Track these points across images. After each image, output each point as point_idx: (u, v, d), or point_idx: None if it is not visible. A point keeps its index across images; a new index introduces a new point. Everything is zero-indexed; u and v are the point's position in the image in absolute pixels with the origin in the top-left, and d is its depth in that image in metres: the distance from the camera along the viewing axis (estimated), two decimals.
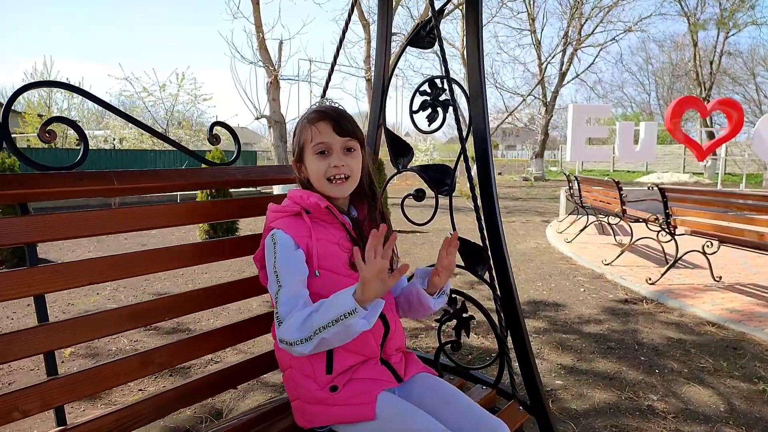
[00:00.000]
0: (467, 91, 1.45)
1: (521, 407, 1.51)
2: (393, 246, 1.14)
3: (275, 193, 8.96)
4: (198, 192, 7.58)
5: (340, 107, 1.33)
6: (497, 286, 1.51)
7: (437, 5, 1.50)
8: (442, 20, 16.22)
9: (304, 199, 1.27)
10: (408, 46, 1.56)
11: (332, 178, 1.28)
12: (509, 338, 1.55)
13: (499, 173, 29.23)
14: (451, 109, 1.50)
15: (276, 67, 12.80)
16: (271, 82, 12.65)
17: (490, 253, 1.45)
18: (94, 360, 3.26)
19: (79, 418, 1.24)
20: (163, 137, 1.41)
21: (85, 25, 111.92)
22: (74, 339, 1.21)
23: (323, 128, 1.27)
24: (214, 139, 1.51)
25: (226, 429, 1.39)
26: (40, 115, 22.55)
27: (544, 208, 12.86)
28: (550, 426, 1.49)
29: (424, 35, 1.52)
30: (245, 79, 59.19)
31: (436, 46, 1.56)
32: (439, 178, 1.53)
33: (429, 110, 1.51)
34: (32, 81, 1.24)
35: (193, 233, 8.15)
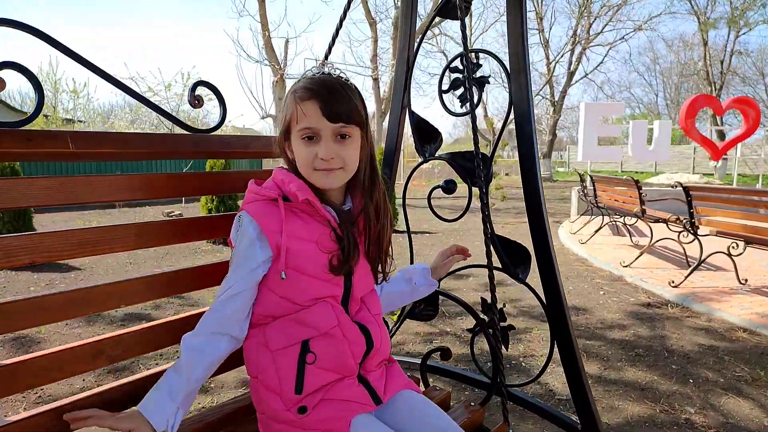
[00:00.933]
0: (507, 66, 1.26)
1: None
2: None
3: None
4: (208, 161, 7.56)
5: (336, 80, 1.09)
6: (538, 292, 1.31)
7: None
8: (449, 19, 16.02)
9: (285, 183, 1.08)
10: (439, 16, 1.37)
11: (319, 168, 1.08)
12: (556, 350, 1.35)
13: (507, 174, 28.98)
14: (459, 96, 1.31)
15: (282, 65, 12.66)
16: (277, 81, 12.52)
17: (534, 252, 1.26)
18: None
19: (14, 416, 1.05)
20: (135, 94, 1.24)
21: (90, 26, 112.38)
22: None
23: (310, 110, 1.05)
24: (195, 101, 1.32)
25: (190, 430, 1.24)
26: (45, 116, 22.55)
27: (554, 208, 12.63)
28: None
29: (457, 3, 1.32)
30: (251, 78, 59.04)
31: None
32: (473, 167, 1.33)
33: (461, 89, 1.31)
34: None
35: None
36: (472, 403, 1.42)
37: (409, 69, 1.47)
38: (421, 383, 1.62)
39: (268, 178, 1.13)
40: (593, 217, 8.08)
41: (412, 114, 1.45)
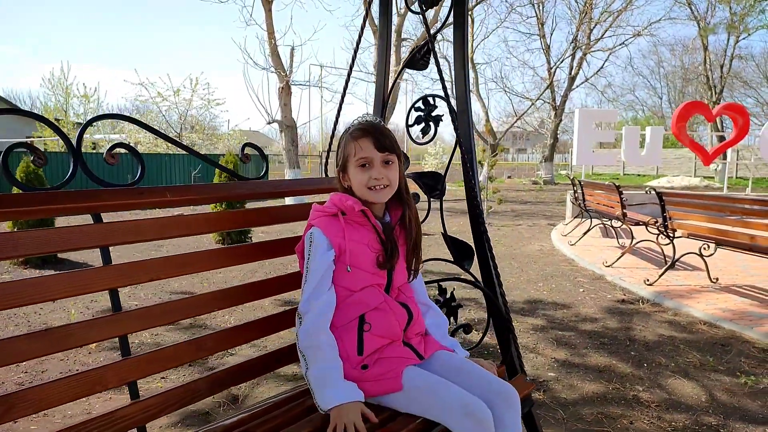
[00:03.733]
0: (455, 108, 1.66)
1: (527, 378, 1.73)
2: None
3: (287, 203, 9.36)
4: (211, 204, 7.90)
5: (380, 123, 1.51)
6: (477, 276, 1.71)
7: (432, 31, 1.71)
8: (442, 39, 16.43)
9: (342, 201, 1.46)
10: (406, 68, 1.78)
11: (372, 187, 1.45)
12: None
13: (509, 177, 29.35)
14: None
15: (287, 72, 13.07)
16: (282, 88, 12.91)
17: (475, 248, 1.66)
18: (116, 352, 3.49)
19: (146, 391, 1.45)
20: (196, 153, 1.65)
21: (99, 30, 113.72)
22: (143, 326, 1.42)
23: (365, 144, 1.45)
24: (245, 158, 1.70)
25: (250, 414, 1.53)
26: (57, 119, 23.20)
27: (552, 211, 12.99)
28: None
29: (419, 58, 1.73)
30: (257, 84, 59.71)
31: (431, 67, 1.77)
32: (432, 184, 1.74)
33: (422, 124, 1.72)
34: (102, 113, 1.46)
35: (207, 239, 8.41)
36: (492, 362, 1.69)
37: (384, 105, 1.87)
38: None
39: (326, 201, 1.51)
40: (584, 219, 8.46)
41: None
